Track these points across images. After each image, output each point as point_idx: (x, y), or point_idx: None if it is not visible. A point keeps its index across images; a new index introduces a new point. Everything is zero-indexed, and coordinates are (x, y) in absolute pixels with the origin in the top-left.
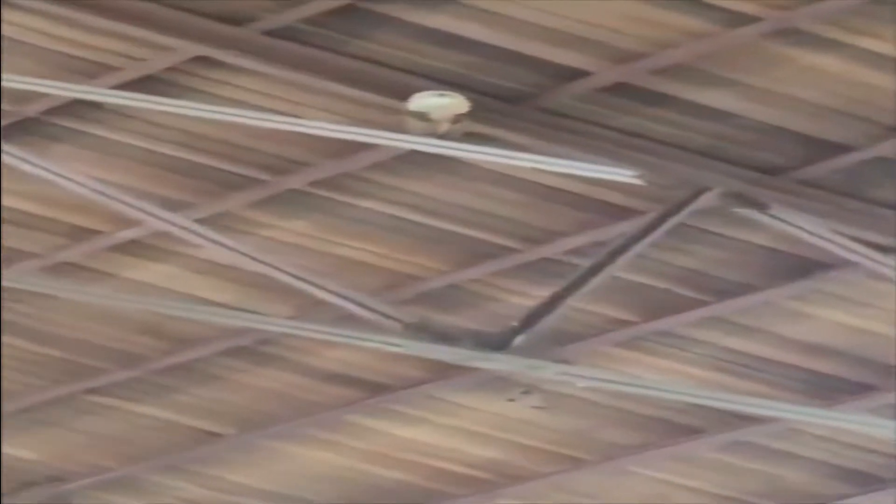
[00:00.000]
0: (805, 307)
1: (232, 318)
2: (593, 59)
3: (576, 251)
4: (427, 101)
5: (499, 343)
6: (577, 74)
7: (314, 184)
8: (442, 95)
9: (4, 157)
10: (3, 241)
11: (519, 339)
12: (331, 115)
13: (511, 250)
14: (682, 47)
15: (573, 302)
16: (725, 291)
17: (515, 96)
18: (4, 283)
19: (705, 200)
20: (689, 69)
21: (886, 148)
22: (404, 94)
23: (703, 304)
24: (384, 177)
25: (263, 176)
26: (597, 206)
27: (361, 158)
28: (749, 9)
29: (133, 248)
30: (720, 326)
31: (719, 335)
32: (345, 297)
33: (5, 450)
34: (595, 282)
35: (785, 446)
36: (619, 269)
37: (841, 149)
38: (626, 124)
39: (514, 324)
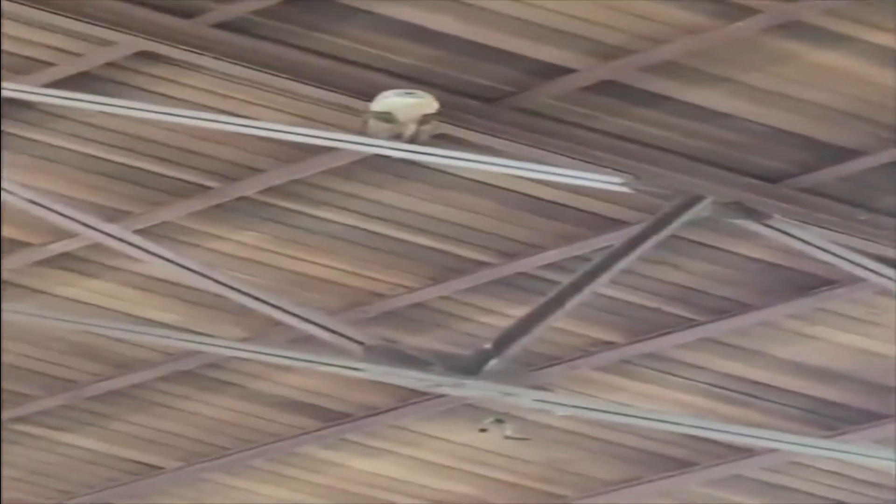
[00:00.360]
0: (807, 327)
1: (176, 339)
2: (576, 55)
3: (555, 266)
4: (392, 100)
5: (470, 367)
6: (558, 72)
7: (266, 191)
8: (408, 94)
9: None
10: None
11: (492, 363)
12: (285, 116)
13: (483, 265)
14: (674, 42)
15: (552, 322)
16: (719, 310)
17: (490, 95)
18: None
19: (698, 210)
20: (682, 66)
21: None
22: (367, 93)
23: (694, 323)
24: (344, 184)
25: (210, 183)
26: (579, 217)
27: (318, 163)
28: (748, 0)
29: (65, 262)
30: (714, 349)
31: (713, 358)
32: (300, 317)
33: None
34: (576, 299)
35: (784, 480)
36: (602, 286)
37: (847, 154)
38: (612, 126)
39: (487, 346)
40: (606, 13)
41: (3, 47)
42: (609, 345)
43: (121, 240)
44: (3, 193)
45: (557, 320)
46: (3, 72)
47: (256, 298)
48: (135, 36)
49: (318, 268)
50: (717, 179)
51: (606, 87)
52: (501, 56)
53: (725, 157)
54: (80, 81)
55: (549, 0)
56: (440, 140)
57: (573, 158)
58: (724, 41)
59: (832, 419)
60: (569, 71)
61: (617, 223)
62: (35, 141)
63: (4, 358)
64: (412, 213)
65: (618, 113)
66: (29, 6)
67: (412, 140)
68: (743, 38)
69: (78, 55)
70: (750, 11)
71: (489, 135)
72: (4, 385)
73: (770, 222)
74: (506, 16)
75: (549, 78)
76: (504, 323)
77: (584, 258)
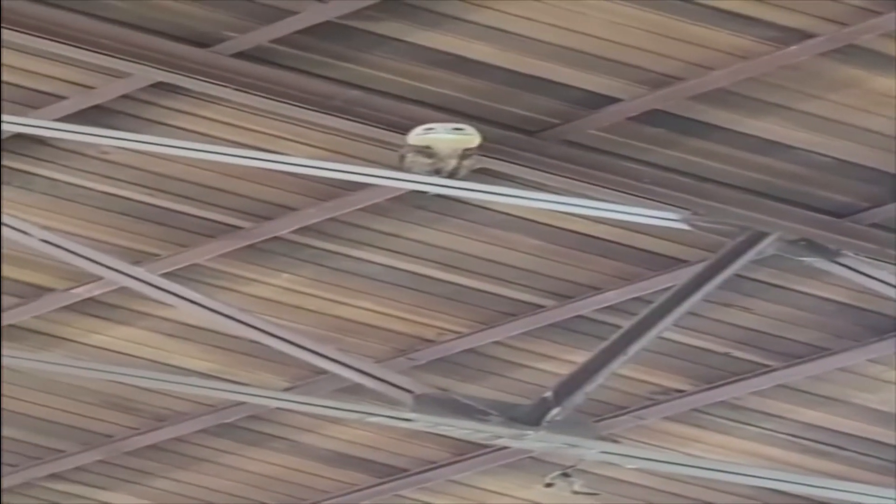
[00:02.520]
0: (888, 372)
1: (215, 389)
2: (623, 84)
3: (614, 308)
4: (431, 133)
5: (530, 417)
6: (604, 101)
7: (300, 231)
8: (449, 127)
9: None
10: None
11: (554, 413)
12: (317, 151)
13: (537, 307)
14: (725, 69)
15: (615, 368)
16: (794, 354)
17: (533, 128)
18: None
19: (763, 248)
20: (734, 94)
21: None
22: (403, 126)
23: (768, 369)
24: (382, 222)
25: (240, 222)
26: (635, 256)
27: (354, 201)
28: (801, 23)
29: (91, 308)
30: (790, 396)
31: (789, 406)
32: (345, 364)
33: None
34: (639, 344)
35: None
36: (666, 329)
37: None
38: (664, 159)
39: (548, 394)
40: (653, 39)
41: (14, 80)
42: (677, 392)
43: (148, 283)
44: (20, 235)
45: (621, 367)
46: (3, 104)
47: (297, 345)
48: (150, 66)
49: (360, 312)
50: (780, 214)
51: (655, 118)
52: (544, 86)
53: (788, 190)
54: (93, 115)
55: (593, 26)
56: (482, 175)
57: (625, 193)
58: (778, 67)
59: None
60: (615, 101)
61: (676, 262)
62: (52, 179)
63: (36, 411)
64: (456, 253)
65: (669, 144)
66: (36, 36)
67: (452, 175)
68: (798, 64)
69: (90, 88)
70: (803, 35)
71: (534, 169)
72: (38, 440)
73: (840, 260)
74: (548, 43)
75: (595, 108)
76: (563, 370)
77: (644, 300)
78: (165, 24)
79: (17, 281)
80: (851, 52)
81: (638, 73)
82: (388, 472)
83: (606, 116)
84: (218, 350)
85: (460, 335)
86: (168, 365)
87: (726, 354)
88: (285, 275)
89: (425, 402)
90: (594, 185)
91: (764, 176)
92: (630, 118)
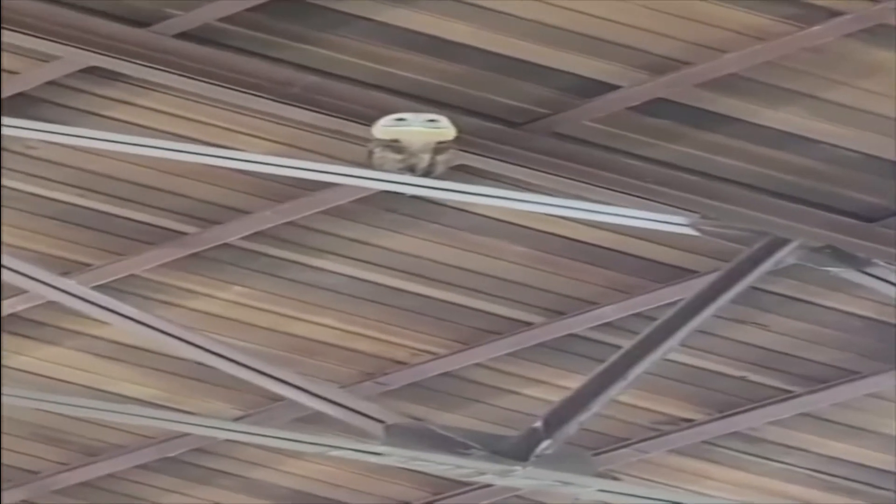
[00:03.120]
0: None
1: (156, 418)
2: (622, 69)
3: (612, 326)
4: (402, 125)
5: (518, 451)
6: (600, 89)
7: (253, 237)
8: (422, 118)
9: None
10: None
11: (544, 446)
12: (272, 145)
13: (524, 325)
14: (739, 52)
15: (613, 394)
16: (818, 378)
17: (519, 118)
18: None
19: (783, 256)
20: (749, 81)
21: None
22: (370, 117)
23: (789, 395)
24: (347, 227)
25: (185, 227)
26: (636, 265)
27: (315, 202)
28: (824, 0)
29: (13, 325)
30: (813, 426)
31: (812, 437)
32: (306, 391)
33: None
34: (641, 367)
35: None
36: (672, 350)
37: None
38: (669, 154)
39: (537, 424)
40: (657, 18)
41: None
42: (685, 422)
43: (79, 297)
44: None
45: (621, 393)
46: None
47: (250, 368)
48: (80, 49)
49: (322, 329)
50: (802, 218)
51: (659, 107)
52: (530, 70)
53: (810, 190)
54: (16, 105)
55: (587, 2)
56: (460, 173)
57: (624, 194)
58: (799, 50)
59: None
60: (612, 87)
61: (684, 273)
62: None
63: None
64: (431, 262)
65: (674, 138)
66: None
67: (426, 173)
68: (821, 46)
69: (12, 73)
70: (828, 13)
71: (519, 165)
72: None
73: (870, 270)
74: (536, 23)
75: (589, 96)
76: (554, 396)
77: (646, 316)
78: (98, 1)
79: None
80: (882, 33)
81: (639, 56)
82: None
83: (603, 105)
84: (159, 374)
85: (437, 356)
86: (102, 391)
87: (741, 378)
88: (236, 287)
89: (397, 433)
90: (588, 184)
91: (783, 174)
92: (630, 108)
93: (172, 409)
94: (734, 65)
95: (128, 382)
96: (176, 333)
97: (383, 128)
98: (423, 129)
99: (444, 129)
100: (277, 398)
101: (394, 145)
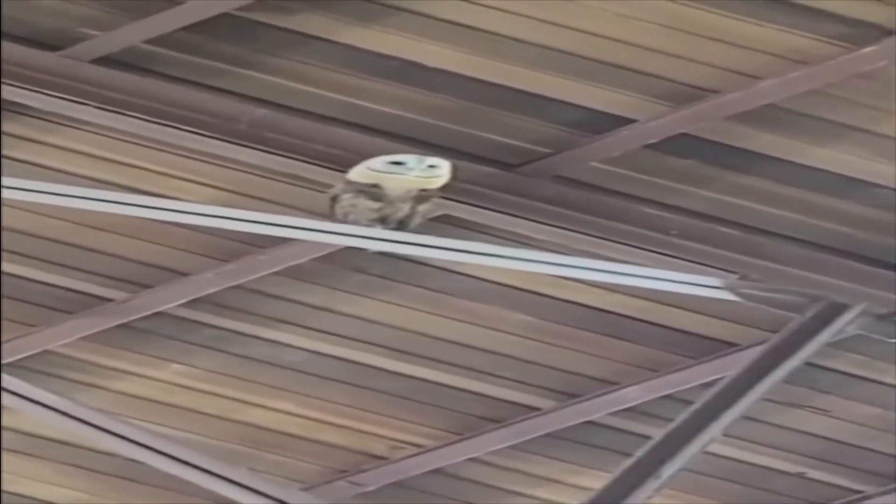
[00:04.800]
0: None
1: None
2: (639, 100)
3: (636, 411)
4: (376, 169)
5: None
6: (614, 123)
7: (194, 304)
8: (424, 163)
9: None
10: None
11: None
12: (215, 193)
13: (530, 410)
14: (779, 78)
15: (643, 497)
16: (888, 475)
17: (517, 160)
18: None
19: (843, 324)
20: (789, 113)
21: None
22: (335, 159)
23: (859, 496)
24: (306, 292)
25: (110, 293)
26: (665, 339)
27: (268, 262)
28: (878, 16)
29: None
30: None
31: None
32: (262, 493)
33: None
34: (677, 462)
35: None
36: (713, 441)
37: None
38: (695, 202)
39: None
40: (679, 39)
41: None
42: None
43: None
44: None
45: (652, 496)
46: None
47: (194, 466)
48: None
49: (281, 417)
50: (865, 278)
51: (683, 145)
52: (529, 102)
53: (873, 245)
54: None
55: (596, 22)
56: (445, 225)
57: (645, 250)
58: (849, 76)
59: None
60: (627, 122)
61: (722, 346)
62: None
63: None
64: (415, 336)
65: (702, 182)
66: None
67: (403, 225)
68: (874, 72)
69: None
70: (880, 32)
71: (517, 216)
72: None
73: None
74: (534, 45)
75: (600, 132)
76: (570, 497)
77: (677, 398)
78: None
79: None
80: None
81: (658, 84)
82: None
83: (616, 143)
84: (81, 471)
85: (423, 450)
86: (12, 493)
87: (798, 476)
88: (174, 365)
89: None
90: (601, 238)
91: (837, 224)
92: (648, 146)
93: None
94: (772, 94)
95: (43, 483)
96: (100, 423)
97: (355, 171)
98: (401, 173)
99: (438, 176)
100: (227, 503)
101: (370, 191)
